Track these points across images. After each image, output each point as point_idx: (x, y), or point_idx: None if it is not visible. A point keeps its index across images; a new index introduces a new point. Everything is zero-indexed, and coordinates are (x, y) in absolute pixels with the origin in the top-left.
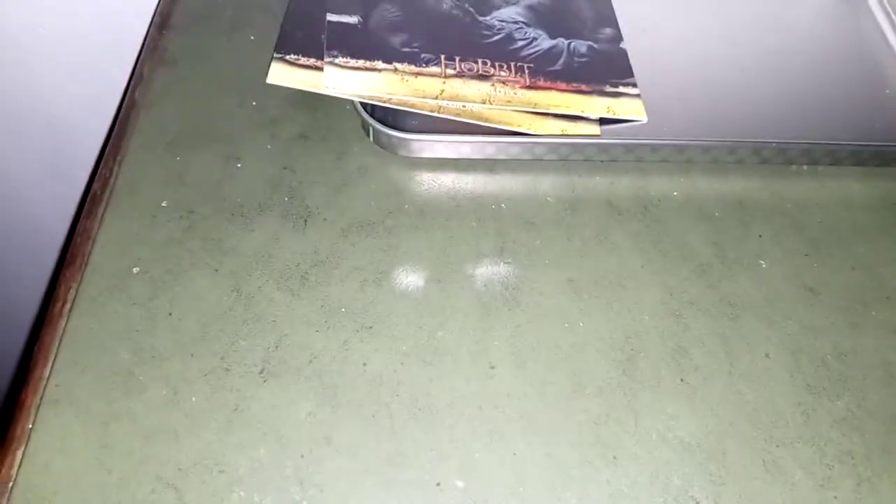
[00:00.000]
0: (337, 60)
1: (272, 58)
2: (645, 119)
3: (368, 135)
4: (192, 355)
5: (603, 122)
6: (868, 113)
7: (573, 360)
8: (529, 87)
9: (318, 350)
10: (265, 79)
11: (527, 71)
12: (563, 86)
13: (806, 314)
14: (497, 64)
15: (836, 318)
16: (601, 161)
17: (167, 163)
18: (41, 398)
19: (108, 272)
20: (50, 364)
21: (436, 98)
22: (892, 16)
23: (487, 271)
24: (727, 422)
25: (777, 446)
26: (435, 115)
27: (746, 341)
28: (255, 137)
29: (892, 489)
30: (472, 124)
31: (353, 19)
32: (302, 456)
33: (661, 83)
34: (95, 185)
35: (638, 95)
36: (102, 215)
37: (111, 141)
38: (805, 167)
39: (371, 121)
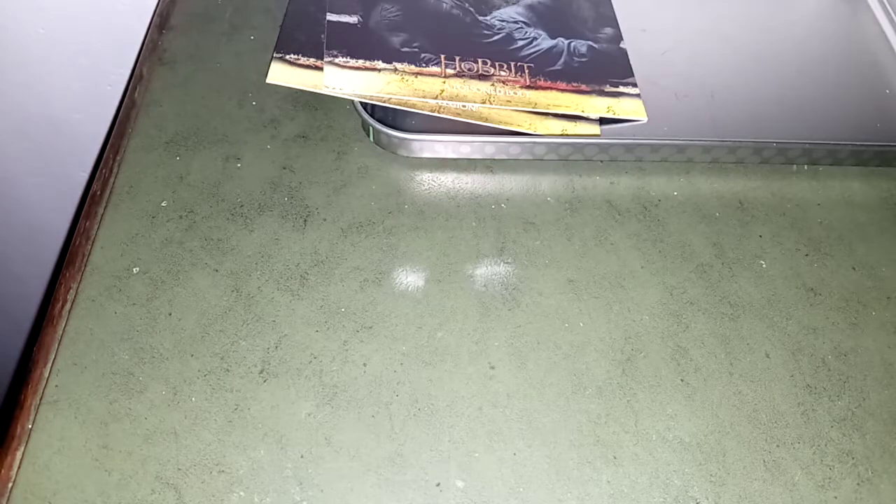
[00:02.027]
0: (337, 60)
1: (272, 58)
2: (645, 119)
3: (368, 135)
4: (192, 355)
5: (603, 122)
6: (868, 113)
7: (573, 360)
8: (529, 87)
9: (318, 350)
10: (265, 79)
11: (527, 71)
12: (563, 85)
13: (806, 314)
14: (497, 64)
15: (836, 318)
16: (601, 161)
17: (167, 163)
18: (41, 398)
19: (108, 272)
20: (50, 364)
21: (436, 98)
22: (893, 16)
23: (487, 271)
24: (727, 422)
25: (777, 446)
26: (435, 115)
27: (746, 341)
28: (255, 137)
29: (892, 489)
30: (472, 124)
31: (352, 19)
32: (302, 456)
33: (661, 83)
34: (95, 185)
35: (638, 95)
36: (102, 215)
37: (111, 141)
38: (805, 167)
39: (371, 121)
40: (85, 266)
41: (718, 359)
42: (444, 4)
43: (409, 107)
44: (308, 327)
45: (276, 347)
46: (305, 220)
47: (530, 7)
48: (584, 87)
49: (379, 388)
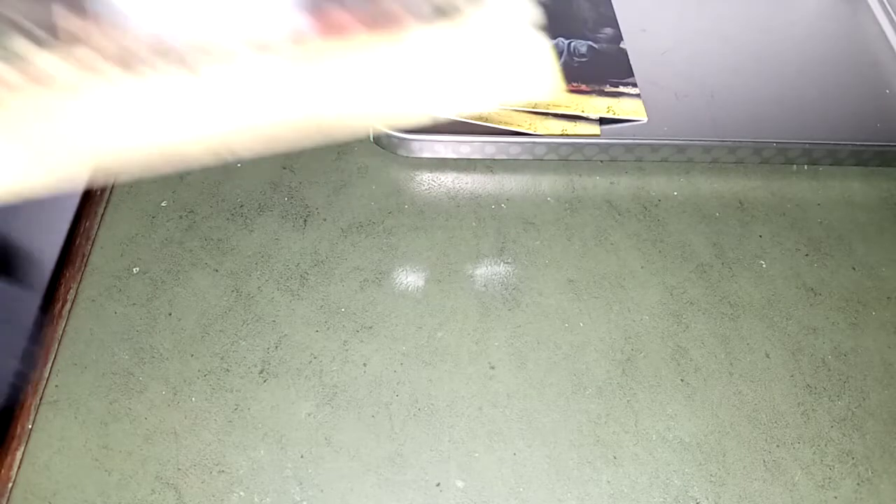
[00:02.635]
0: None
1: None
2: (645, 119)
3: (368, 135)
4: (192, 355)
5: (603, 122)
6: (868, 113)
7: (573, 360)
8: None
9: (318, 350)
10: None
11: None
12: (564, 85)
13: (806, 314)
14: None
15: (836, 318)
16: (601, 161)
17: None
18: (41, 398)
19: (107, 272)
20: (50, 364)
21: None
22: (893, 15)
23: (487, 271)
24: (727, 422)
25: (777, 446)
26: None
27: (746, 341)
28: None
29: (892, 489)
30: (472, 124)
31: None
32: (302, 456)
33: (661, 83)
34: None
35: (638, 95)
36: (102, 215)
37: None
38: (805, 167)
39: None
40: (85, 266)
41: (718, 359)
42: None
43: None
44: (308, 327)
45: (276, 347)
46: (305, 220)
47: None
48: (583, 87)
49: (379, 388)
